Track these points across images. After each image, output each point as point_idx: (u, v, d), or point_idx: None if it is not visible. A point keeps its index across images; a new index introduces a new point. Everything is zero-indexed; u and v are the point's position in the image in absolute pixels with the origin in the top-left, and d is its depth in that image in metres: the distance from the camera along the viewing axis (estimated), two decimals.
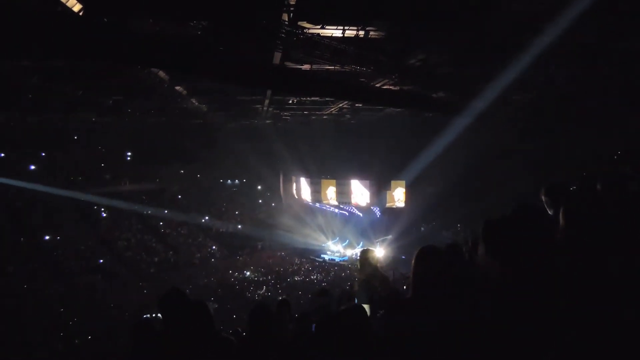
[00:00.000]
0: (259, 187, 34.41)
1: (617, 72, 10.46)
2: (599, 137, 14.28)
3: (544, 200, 3.29)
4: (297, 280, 23.33)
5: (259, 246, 30.59)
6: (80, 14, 6.60)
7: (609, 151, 15.48)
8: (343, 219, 28.39)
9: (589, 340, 1.65)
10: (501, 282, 2.03)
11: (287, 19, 7.68)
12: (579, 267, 2.09)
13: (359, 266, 4.97)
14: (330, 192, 26.65)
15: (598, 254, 2.17)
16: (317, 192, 27.33)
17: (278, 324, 3.95)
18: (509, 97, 12.49)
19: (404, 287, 5.04)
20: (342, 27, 8.31)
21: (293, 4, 7.16)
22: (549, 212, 3.09)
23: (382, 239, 25.78)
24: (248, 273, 24.86)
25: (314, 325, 2.76)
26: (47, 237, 23.10)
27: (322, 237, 28.95)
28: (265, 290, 21.40)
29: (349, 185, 25.78)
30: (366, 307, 4.53)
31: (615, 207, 2.89)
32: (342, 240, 28.45)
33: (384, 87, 11.94)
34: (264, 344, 3.47)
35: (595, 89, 11.85)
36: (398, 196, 25.07)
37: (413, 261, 2.35)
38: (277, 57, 9.38)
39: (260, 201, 34.53)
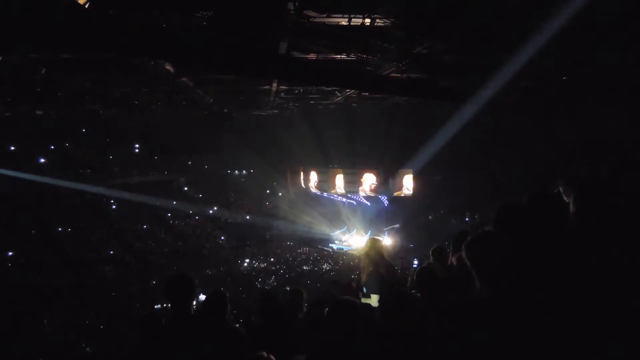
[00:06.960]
0: (267, 178, 34.49)
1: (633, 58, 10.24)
2: (609, 126, 14.08)
3: (562, 189, 3.24)
4: (306, 269, 23.44)
5: (267, 236, 30.75)
6: (86, 6, 6.59)
7: (621, 140, 15.26)
8: (351, 208, 28.35)
9: (600, 326, 1.65)
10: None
11: (292, 8, 7.62)
12: (589, 254, 2.08)
13: (366, 256, 4.94)
14: (338, 182, 26.57)
15: (607, 240, 2.16)
16: (324, 182, 27.27)
17: (290, 311, 3.96)
18: (516, 84, 12.33)
19: (412, 276, 5.03)
20: (347, 16, 8.23)
21: None
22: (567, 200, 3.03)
23: (390, 227, 25.78)
24: (257, 263, 25.00)
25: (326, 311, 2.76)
26: (58, 229, 23.37)
27: (330, 227, 28.99)
28: (274, 279, 21.52)
29: (356, 174, 25.67)
30: (375, 297, 4.53)
31: (624, 195, 2.87)
32: (350, 229, 28.48)
33: (391, 75, 11.85)
34: (275, 331, 3.49)
35: (606, 77, 11.64)
36: (406, 184, 24.97)
37: (468, 252, 2.09)
38: (283, 46, 9.33)
39: (267, 191, 34.59)
